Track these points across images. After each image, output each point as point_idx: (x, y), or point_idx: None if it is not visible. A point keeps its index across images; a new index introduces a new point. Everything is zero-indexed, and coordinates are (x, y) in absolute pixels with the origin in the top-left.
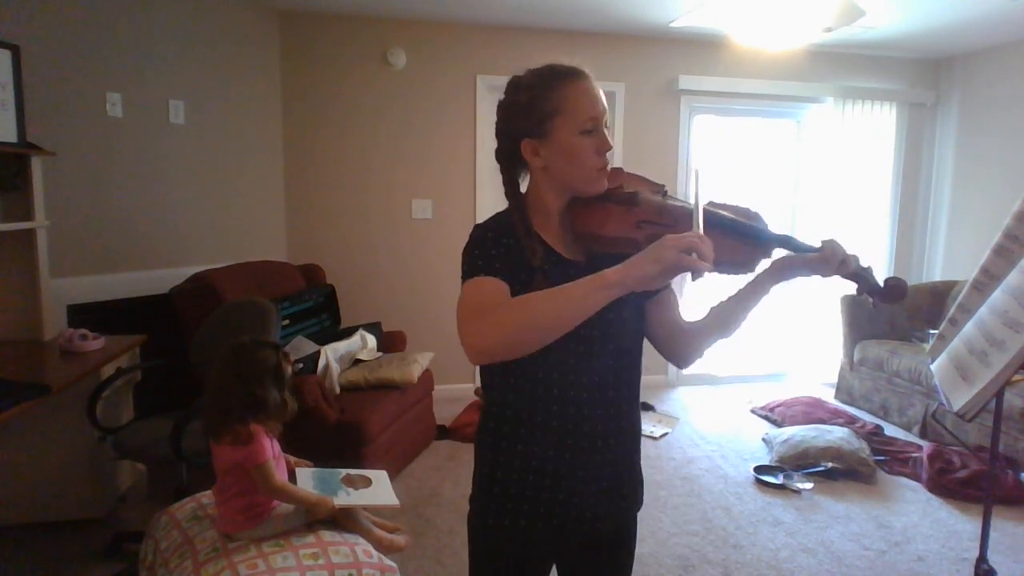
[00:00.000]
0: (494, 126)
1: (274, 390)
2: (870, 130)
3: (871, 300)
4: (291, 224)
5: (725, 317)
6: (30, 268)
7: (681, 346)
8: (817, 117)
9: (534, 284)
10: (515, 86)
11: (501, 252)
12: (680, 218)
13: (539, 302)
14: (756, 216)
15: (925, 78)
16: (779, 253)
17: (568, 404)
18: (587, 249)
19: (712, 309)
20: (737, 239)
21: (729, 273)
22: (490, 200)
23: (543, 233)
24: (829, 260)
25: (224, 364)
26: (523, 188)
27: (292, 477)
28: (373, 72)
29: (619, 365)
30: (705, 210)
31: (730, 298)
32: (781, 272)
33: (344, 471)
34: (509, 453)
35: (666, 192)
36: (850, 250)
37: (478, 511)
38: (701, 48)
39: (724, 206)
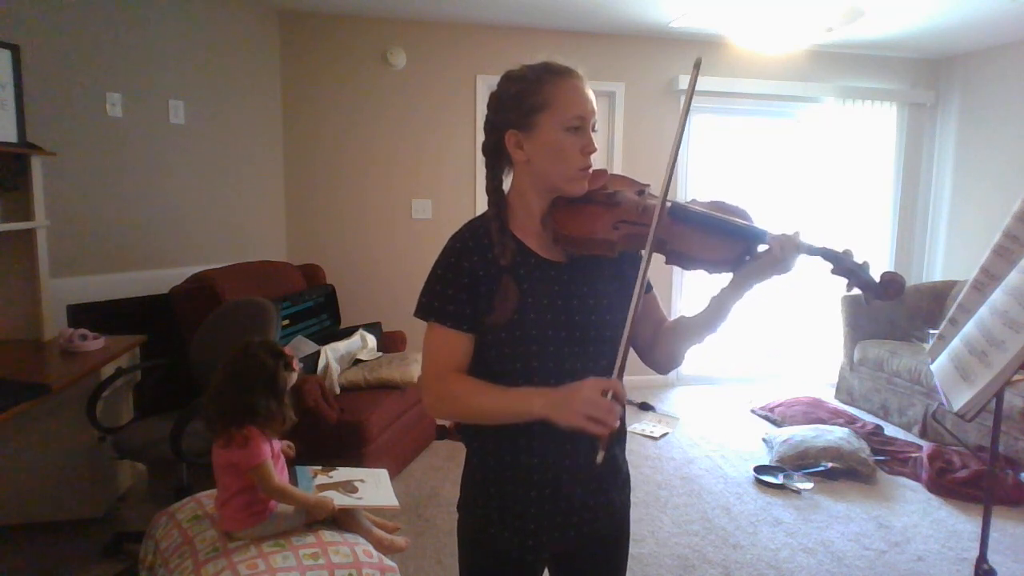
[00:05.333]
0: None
1: (267, 399)
2: (870, 130)
3: (863, 296)
4: (291, 224)
5: (693, 332)
6: (30, 268)
7: (662, 347)
8: (817, 117)
9: (501, 286)
10: (507, 78)
11: (464, 281)
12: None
13: (476, 400)
14: (739, 212)
15: (925, 78)
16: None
17: None
18: (567, 252)
19: (681, 320)
20: (714, 236)
21: (710, 271)
22: None
23: (523, 233)
24: (782, 256)
25: (225, 365)
26: (507, 187)
27: (293, 477)
28: (373, 72)
29: (603, 364)
30: (680, 206)
31: (696, 315)
32: (740, 285)
33: (328, 476)
34: (496, 458)
35: (646, 191)
36: (848, 243)
37: (467, 519)
38: (701, 48)
39: (708, 203)
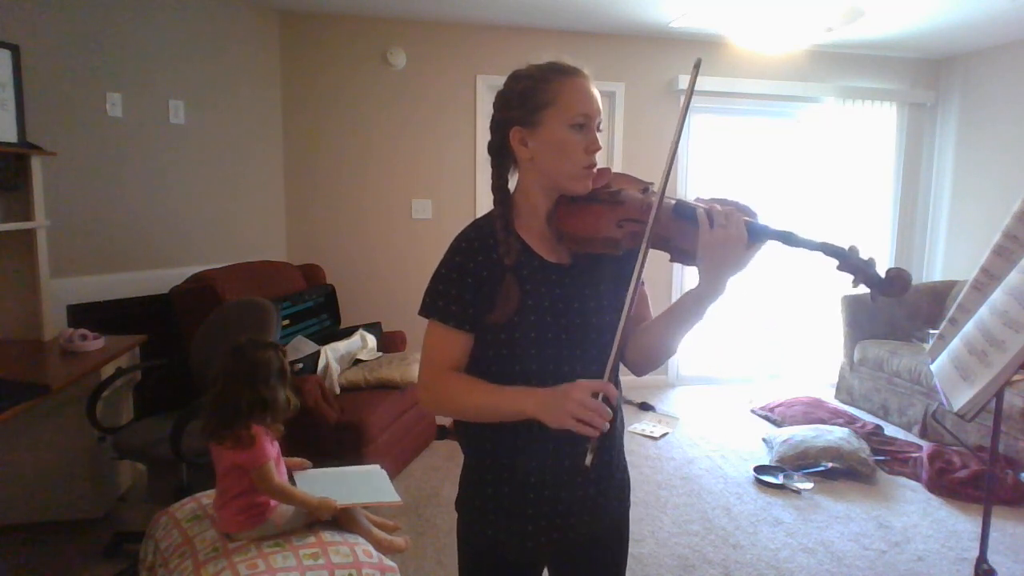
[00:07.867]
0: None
1: (281, 389)
2: (870, 130)
3: (870, 293)
4: (291, 224)
5: (669, 332)
6: (30, 268)
7: (637, 347)
8: (817, 117)
9: (504, 285)
10: (514, 76)
11: (468, 280)
12: (661, 214)
13: (470, 399)
14: (743, 209)
15: (925, 78)
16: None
17: None
18: (572, 250)
19: (661, 318)
20: None
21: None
22: (490, 200)
23: (527, 233)
24: (715, 230)
25: (228, 367)
26: (513, 186)
27: (291, 479)
28: (373, 72)
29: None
30: (683, 203)
31: (675, 305)
32: (706, 278)
33: (340, 476)
34: (493, 460)
35: (650, 189)
36: (850, 242)
37: (465, 519)
38: (701, 48)
39: (712, 200)
